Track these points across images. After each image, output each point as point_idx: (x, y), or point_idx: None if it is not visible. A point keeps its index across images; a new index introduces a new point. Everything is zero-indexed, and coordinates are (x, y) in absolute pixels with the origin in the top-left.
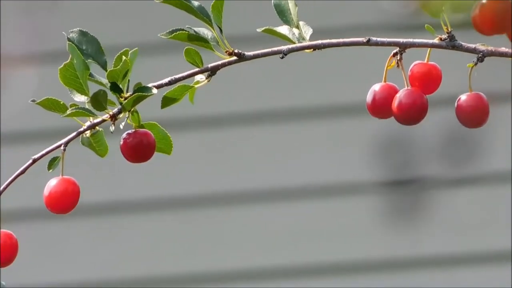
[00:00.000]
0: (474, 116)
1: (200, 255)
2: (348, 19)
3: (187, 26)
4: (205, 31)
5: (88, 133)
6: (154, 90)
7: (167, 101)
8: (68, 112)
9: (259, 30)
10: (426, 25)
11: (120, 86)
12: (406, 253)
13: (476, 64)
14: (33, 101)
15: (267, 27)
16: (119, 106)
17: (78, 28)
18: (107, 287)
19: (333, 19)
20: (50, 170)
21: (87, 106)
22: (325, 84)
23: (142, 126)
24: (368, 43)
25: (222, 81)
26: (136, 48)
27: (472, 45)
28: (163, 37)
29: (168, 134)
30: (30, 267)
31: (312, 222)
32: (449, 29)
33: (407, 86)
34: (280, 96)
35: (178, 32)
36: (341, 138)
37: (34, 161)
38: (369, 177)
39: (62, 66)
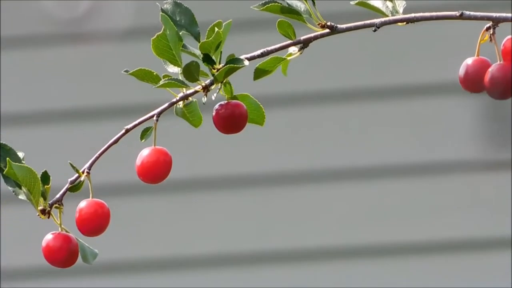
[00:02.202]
0: None
1: (274, 233)
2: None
3: None
4: (298, 3)
5: (180, 104)
6: (246, 62)
7: (259, 73)
8: (161, 82)
9: (352, 2)
10: None
11: (213, 57)
12: (481, 234)
13: None
14: (126, 71)
15: (360, 0)
16: (211, 78)
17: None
18: (183, 263)
19: None
20: (143, 140)
21: (180, 77)
22: (410, 62)
23: (234, 98)
24: (461, 17)
25: (302, 60)
26: (230, 20)
27: None
28: (255, 9)
29: (261, 105)
30: (108, 240)
31: (388, 201)
32: None
33: (500, 61)
34: (366, 74)
35: (270, 4)
36: (419, 118)
37: (127, 131)
38: (451, 156)
39: (155, 37)
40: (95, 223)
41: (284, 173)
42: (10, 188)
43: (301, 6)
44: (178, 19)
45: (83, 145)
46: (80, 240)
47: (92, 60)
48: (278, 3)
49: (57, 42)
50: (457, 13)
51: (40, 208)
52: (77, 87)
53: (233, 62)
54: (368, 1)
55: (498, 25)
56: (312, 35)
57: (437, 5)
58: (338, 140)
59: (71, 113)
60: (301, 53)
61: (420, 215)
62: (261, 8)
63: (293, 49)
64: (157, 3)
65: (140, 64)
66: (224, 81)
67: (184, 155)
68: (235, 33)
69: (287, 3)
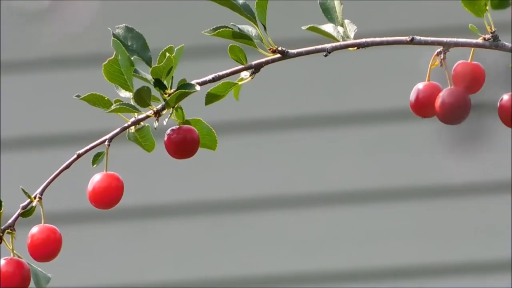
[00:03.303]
0: None
1: (230, 260)
2: (390, 23)
3: (231, 23)
4: (249, 29)
5: (132, 128)
6: (197, 87)
7: (211, 98)
8: (112, 107)
9: (303, 28)
10: (470, 24)
11: (164, 82)
12: (437, 260)
13: None
14: (78, 96)
15: (311, 25)
16: (163, 103)
17: (124, 24)
18: None
19: (375, 23)
20: (94, 165)
21: (131, 102)
22: (362, 89)
23: (187, 122)
24: (412, 42)
25: (257, 85)
26: (182, 45)
27: None
28: (207, 34)
29: (213, 130)
30: (62, 268)
31: (345, 227)
32: (493, 29)
33: (451, 86)
34: (319, 101)
35: (222, 29)
36: (375, 143)
37: (79, 156)
38: (403, 183)
39: (106, 62)
40: (47, 249)
41: (239, 199)
42: None
43: (252, 31)
44: (130, 44)
45: (36, 172)
46: (33, 265)
47: (45, 87)
48: (230, 28)
49: (9, 69)
50: (407, 38)
51: None
52: (29, 114)
53: (185, 87)
54: (319, 26)
55: (449, 50)
56: (263, 60)
57: (388, 30)
58: (294, 166)
59: (24, 140)
60: (252, 78)
61: (385, 240)
62: (213, 33)
63: (245, 74)
64: (108, 28)
65: (93, 91)
66: (176, 106)
67: (136, 182)
68: (188, 59)
69: (239, 28)
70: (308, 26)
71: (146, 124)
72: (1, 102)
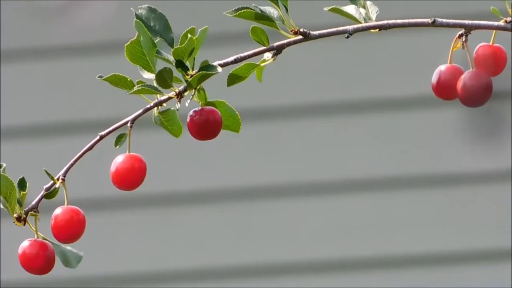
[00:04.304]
0: None
1: (249, 248)
2: (410, 10)
3: (253, 5)
4: (271, 10)
5: (155, 111)
6: (219, 69)
7: (233, 79)
8: (135, 89)
9: (325, 9)
10: (491, 7)
11: (187, 64)
12: (454, 247)
13: None
14: (100, 77)
15: (333, 6)
16: (185, 84)
17: (147, 5)
18: (156, 278)
19: (395, 9)
20: (117, 147)
21: (154, 84)
22: (377, 77)
23: (210, 104)
24: (434, 24)
25: (274, 73)
26: (206, 26)
27: None
28: (228, 15)
29: (237, 112)
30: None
31: (360, 216)
32: None
33: (472, 68)
34: (335, 88)
35: (243, 10)
36: (389, 132)
37: (101, 137)
38: (418, 171)
39: (128, 43)
40: (70, 230)
41: (258, 187)
42: None
43: (274, 13)
44: (152, 24)
45: (61, 158)
46: (61, 245)
47: (69, 74)
48: (251, 9)
49: (36, 56)
50: (429, 20)
51: (15, 215)
52: (52, 101)
53: (206, 69)
54: (342, 8)
55: (471, 32)
56: (285, 41)
57: (407, 17)
58: (313, 153)
59: (48, 126)
60: (274, 59)
61: (399, 229)
62: (234, 14)
63: (267, 56)
64: (131, 8)
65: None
66: (198, 87)
67: (156, 170)
68: (209, 45)
69: (260, 10)
70: (330, 7)
71: (172, 108)
72: (21, 89)
